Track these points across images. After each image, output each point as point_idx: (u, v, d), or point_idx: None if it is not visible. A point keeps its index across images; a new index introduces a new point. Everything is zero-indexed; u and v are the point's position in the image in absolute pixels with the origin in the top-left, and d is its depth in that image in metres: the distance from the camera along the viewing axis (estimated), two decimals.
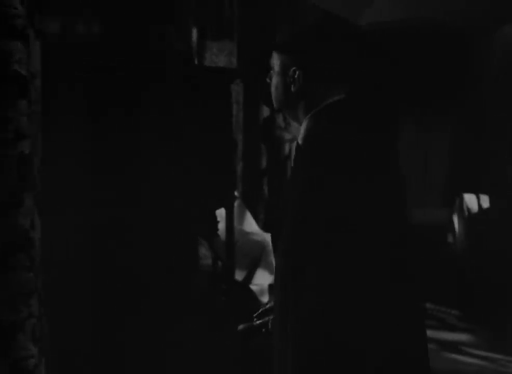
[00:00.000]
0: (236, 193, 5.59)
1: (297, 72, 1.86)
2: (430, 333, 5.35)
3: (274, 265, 5.51)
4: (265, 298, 5.28)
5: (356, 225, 1.72)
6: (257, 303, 5.21)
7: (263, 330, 2.01)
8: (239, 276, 5.39)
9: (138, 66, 4.11)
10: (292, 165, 1.90)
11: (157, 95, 4.14)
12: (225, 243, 4.76)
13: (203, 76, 4.44)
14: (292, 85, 1.87)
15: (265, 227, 6.26)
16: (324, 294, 1.70)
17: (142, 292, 4.03)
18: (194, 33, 6.09)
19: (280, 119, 6.65)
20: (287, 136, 6.72)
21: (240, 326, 2.09)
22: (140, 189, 4.11)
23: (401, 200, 1.85)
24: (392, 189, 1.82)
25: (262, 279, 5.40)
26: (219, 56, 6.27)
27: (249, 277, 5.38)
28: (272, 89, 1.93)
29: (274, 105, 1.95)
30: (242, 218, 5.85)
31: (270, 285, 5.42)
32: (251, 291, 5.29)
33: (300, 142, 1.87)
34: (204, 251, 5.15)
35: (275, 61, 1.91)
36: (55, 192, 3.81)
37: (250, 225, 5.86)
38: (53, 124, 3.84)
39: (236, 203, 5.90)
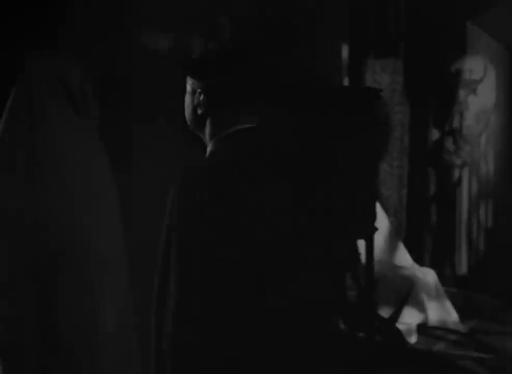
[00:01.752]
0: (383, 222, 5.18)
1: (201, 96, 1.79)
2: None
3: (421, 302, 4.93)
4: (412, 339, 4.80)
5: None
6: (404, 343, 4.75)
7: None
8: (386, 313, 4.98)
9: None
10: None
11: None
12: (364, 277, 4.37)
13: (338, 95, 4.13)
14: (198, 108, 1.81)
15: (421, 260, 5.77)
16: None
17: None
18: (345, 51, 5.80)
19: (449, 143, 6.11)
20: (457, 160, 6.16)
21: None
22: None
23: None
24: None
25: (410, 318, 4.95)
26: (382, 75, 5.91)
27: (396, 315, 4.95)
28: (185, 108, 1.87)
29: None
30: (393, 250, 5.41)
31: (419, 325, 4.95)
32: (398, 330, 4.84)
33: None
34: (348, 283, 4.82)
35: (188, 80, 1.84)
36: None
37: (402, 258, 5.39)
38: None
39: (387, 234, 5.50)
